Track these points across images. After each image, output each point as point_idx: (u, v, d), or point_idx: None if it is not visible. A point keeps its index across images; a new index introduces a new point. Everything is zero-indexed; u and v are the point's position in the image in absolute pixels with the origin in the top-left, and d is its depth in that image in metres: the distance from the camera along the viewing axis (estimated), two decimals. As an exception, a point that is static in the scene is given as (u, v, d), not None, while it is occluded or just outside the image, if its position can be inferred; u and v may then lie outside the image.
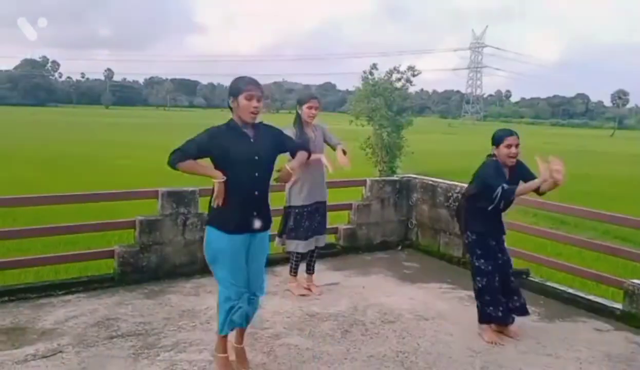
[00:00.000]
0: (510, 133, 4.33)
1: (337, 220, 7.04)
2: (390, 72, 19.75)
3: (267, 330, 4.49)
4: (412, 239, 7.21)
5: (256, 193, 3.51)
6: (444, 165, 24.19)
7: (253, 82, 3.49)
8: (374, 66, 19.87)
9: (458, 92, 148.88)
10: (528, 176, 4.38)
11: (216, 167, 3.47)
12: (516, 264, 6.25)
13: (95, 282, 5.37)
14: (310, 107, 5.11)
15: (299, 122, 5.15)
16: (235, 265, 3.54)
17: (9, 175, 16.34)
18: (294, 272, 5.43)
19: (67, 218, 7.62)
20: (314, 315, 4.86)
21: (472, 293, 5.56)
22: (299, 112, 5.16)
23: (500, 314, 4.49)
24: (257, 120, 3.59)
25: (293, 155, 3.83)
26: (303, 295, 5.31)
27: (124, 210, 7.91)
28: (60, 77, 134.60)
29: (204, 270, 5.09)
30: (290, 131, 5.00)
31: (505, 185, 4.16)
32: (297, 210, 5.16)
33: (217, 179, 3.42)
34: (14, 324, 4.45)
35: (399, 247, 7.15)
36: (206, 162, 3.51)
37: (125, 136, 36.33)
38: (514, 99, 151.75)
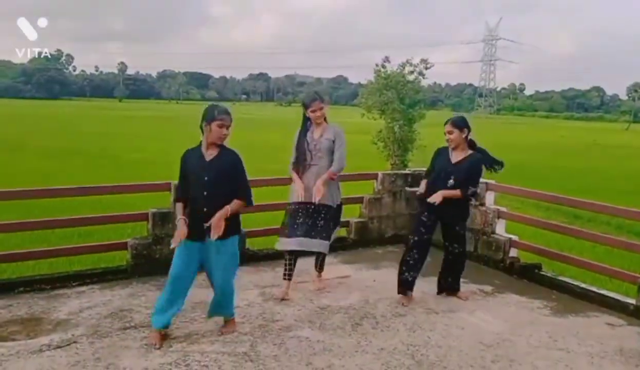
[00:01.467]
0: (446, 123, 5.03)
1: (349, 214, 7.04)
2: (402, 65, 19.56)
3: (278, 323, 4.52)
4: (423, 232, 7.17)
5: (205, 210, 3.93)
6: (456, 158, 23.82)
7: (225, 112, 3.98)
8: (387, 59, 19.69)
9: (471, 85, 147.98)
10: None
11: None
12: (528, 257, 6.25)
13: (108, 274, 5.44)
14: (313, 111, 5.04)
15: (305, 124, 5.12)
16: None
17: (23, 168, 16.49)
18: (284, 275, 5.10)
19: (80, 210, 7.70)
20: (325, 308, 4.88)
21: (483, 287, 5.61)
22: (306, 115, 5.12)
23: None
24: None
25: (235, 195, 4.01)
26: (284, 299, 4.99)
27: (137, 202, 7.98)
28: (74, 70, 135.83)
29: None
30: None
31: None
32: (290, 207, 5.07)
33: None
34: (29, 315, 4.52)
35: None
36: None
37: (138, 129, 36.49)
38: (528, 92, 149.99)
